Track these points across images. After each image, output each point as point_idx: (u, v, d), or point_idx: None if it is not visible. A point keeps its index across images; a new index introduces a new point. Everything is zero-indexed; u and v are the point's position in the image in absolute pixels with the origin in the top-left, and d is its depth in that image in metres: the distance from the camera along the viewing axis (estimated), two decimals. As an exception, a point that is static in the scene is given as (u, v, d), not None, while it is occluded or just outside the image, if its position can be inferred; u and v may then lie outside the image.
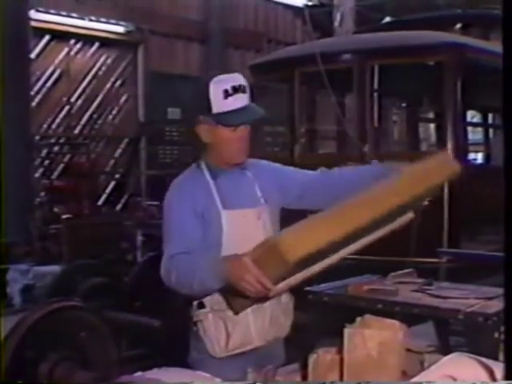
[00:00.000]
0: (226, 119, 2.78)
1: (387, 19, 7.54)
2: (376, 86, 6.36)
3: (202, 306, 2.82)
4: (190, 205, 2.80)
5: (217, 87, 2.76)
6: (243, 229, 2.82)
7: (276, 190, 2.98)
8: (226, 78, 2.80)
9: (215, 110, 2.77)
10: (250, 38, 16.45)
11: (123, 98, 14.64)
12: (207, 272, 2.59)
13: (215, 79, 2.80)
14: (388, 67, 6.30)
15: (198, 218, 2.80)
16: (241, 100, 2.77)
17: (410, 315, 2.65)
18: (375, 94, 6.43)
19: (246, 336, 2.82)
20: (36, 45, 12.61)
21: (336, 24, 8.61)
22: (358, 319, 2.16)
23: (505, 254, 1.32)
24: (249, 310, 2.80)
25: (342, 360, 2.10)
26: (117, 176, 13.81)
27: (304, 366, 2.30)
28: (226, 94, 2.75)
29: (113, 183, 13.81)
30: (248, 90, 2.82)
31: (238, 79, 2.80)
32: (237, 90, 2.76)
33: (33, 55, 11.84)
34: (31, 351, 4.16)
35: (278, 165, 3.13)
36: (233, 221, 2.82)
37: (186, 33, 15.36)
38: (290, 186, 3.01)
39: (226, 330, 2.80)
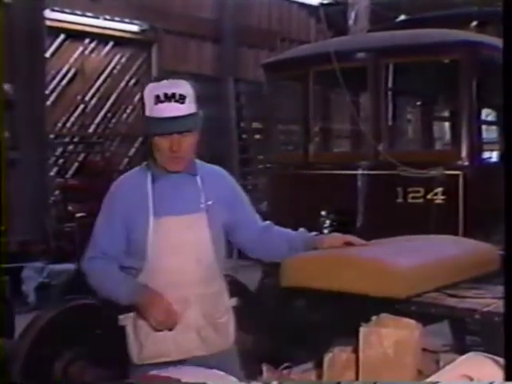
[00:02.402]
0: (152, 126, 2.71)
1: (402, 17, 7.50)
2: (390, 84, 6.32)
3: (128, 309, 2.81)
4: (120, 208, 2.80)
5: (150, 91, 2.70)
6: (170, 238, 2.76)
7: (223, 205, 2.89)
8: (162, 84, 2.71)
9: (147, 113, 2.72)
10: (263, 37, 16.43)
11: (137, 97, 14.66)
12: (120, 289, 2.72)
13: (153, 83, 2.75)
14: (403, 66, 6.27)
15: (124, 224, 2.78)
16: (170, 109, 2.66)
17: (425, 314, 2.64)
18: (390, 93, 6.40)
19: (160, 348, 2.76)
20: (51, 44, 12.67)
21: (350, 22, 8.58)
22: (374, 318, 2.15)
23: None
24: None
25: (357, 359, 2.10)
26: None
27: (319, 365, 2.30)
28: (157, 100, 2.67)
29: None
30: (189, 100, 2.70)
31: (177, 87, 2.70)
32: (169, 98, 2.66)
33: (48, 54, 11.90)
34: (46, 349, 4.18)
35: (238, 187, 3.05)
36: (161, 229, 2.75)
37: (199, 32, 15.37)
38: (235, 213, 2.95)
39: (139, 338, 2.78)
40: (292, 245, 2.97)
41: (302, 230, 3.06)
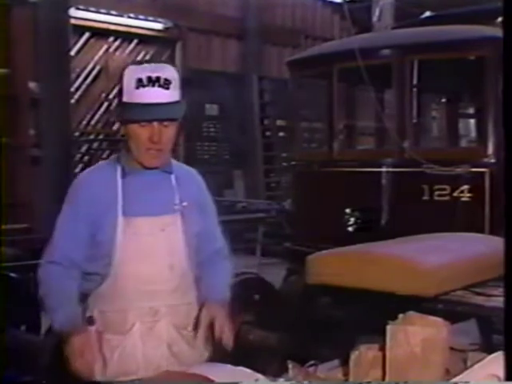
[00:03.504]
0: (130, 112, 2.44)
1: (427, 14, 7.45)
2: (415, 81, 6.29)
3: (91, 321, 2.55)
4: (84, 206, 2.52)
5: (131, 74, 2.44)
6: (140, 241, 2.51)
7: (197, 208, 2.64)
8: (146, 67, 2.46)
9: (124, 98, 2.46)
10: (287, 34, 16.41)
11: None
12: (57, 312, 2.43)
13: (134, 65, 2.49)
14: (427, 62, 6.24)
15: (89, 224, 2.51)
16: (155, 94, 2.41)
17: (452, 313, 2.62)
18: (414, 90, 6.37)
19: (127, 364, 2.48)
20: (76, 42, 12.74)
21: (375, 19, 8.52)
22: (401, 316, 2.14)
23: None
24: (137, 334, 2.51)
25: (384, 357, 2.09)
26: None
27: (345, 363, 2.29)
28: (139, 84, 2.41)
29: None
30: (174, 86, 2.45)
31: (162, 71, 2.45)
32: (153, 81, 2.41)
33: (73, 52, 11.96)
34: None
35: (208, 193, 2.78)
36: (129, 230, 2.49)
37: (223, 29, 15.38)
38: (204, 221, 2.69)
39: (103, 354, 2.48)
40: (204, 289, 2.66)
41: (226, 290, 2.69)
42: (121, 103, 2.49)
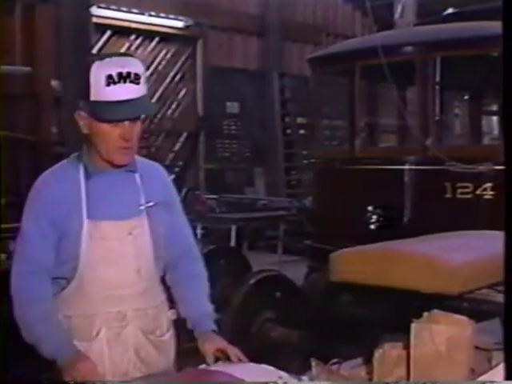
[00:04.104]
0: (101, 111, 2.30)
1: (450, 10, 7.41)
2: (438, 78, 6.26)
3: None
4: (48, 210, 2.40)
5: (99, 70, 2.28)
6: (107, 244, 2.41)
7: (164, 207, 2.55)
8: (115, 61, 2.31)
9: (93, 97, 2.30)
10: (308, 32, 16.37)
11: (182, 93, 14.75)
12: (49, 341, 2.30)
13: (100, 61, 2.32)
14: (450, 59, 6.20)
15: (54, 227, 2.39)
16: (127, 91, 2.29)
17: (477, 311, 2.61)
18: (437, 87, 6.33)
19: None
20: (97, 40, 12.79)
21: (397, 16, 8.50)
22: (425, 314, 2.12)
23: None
24: (104, 340, 2.44)
25: (408, 355, 2.08)
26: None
27: (368, 361, 2.28)
28: (109, 81, 2.27)
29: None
30: (143, 80, 2.34)
31: (131, 65, 2.32)
32: (124, 78, 2.28)
33: (94, 50, 12.01)
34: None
35: (174, 189, 2.70)
36: (95, 234, 2.40)
37: (244, 27, 15.37)
38: (171, 218, 2.60)
39: None
40: (184, 309, 2.59)
41: (208, 307, 2.60)
42: (88, 102, 2.33)
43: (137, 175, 2.52)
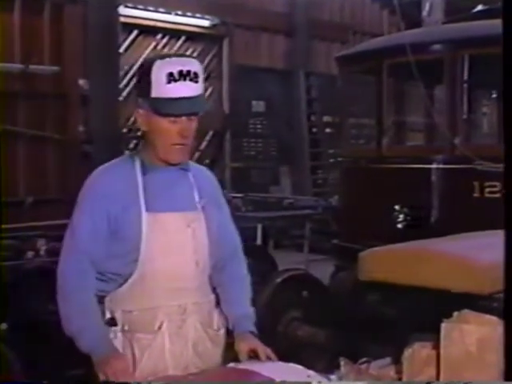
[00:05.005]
0: (162, 107, 2.40)
1: (479, 7, 7.34)
2: (466, 76, 6.20)
3: (113, 322, 2.48)
4: (104, 205, 2.44)
5: (161, 69, 2.40)
6: (168, 235, 2.46)
7: (215, 206, 2.63)
8: (175, 61, 2.43)
9: (154, 94, 2.41)
10: (335, 30, 16.31)
11: (208, 91, 14.76)
12: (85, 333, 2.34)
13: (161, 60, 2.43)
14: (479, 57, 6.14)
15: (110, 221, 2.43)
16: (187, 89, 2.40)
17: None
18: (465, 85, 6.28)
19: (157, 364, 2.44)
20: (124, 40, 12.85)
21: (425, 14, 8.45)
22: (456, 314, 2.11)
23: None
24: (166, 334, 2.47)
25: (438, 355, 2.06)
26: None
27: (397, 361, 2.27)
28: (170, 79, 2.38)
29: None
30: (201, 79, 2.45)
31: (190, 64, 2.44)
32: (184, 76, 2.39)
33: (121, 50, 12.08)
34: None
35: (222, 192, 2.80)
36: (156, 225, 2.44)
37: (271, 25, 15.35)
38: (220, 216, 2.67)
39: (132, 354, 2.43)
40: (227, 309, 2.66)
41: (249, 309, 2.70)
42: (148, 99, 2.43)
43: (190, 174, 2.60)
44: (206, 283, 2.62)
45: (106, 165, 2.60)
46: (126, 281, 2.46)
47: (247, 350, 2.48)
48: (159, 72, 2.39)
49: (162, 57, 2.46)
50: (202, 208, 2.55)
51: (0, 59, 8.73)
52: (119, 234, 2.44)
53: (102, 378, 2.30)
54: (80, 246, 2.45)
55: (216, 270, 2.67)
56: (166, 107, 2.39)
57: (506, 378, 1.41)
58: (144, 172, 2.50)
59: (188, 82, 2.40)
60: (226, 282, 2.69)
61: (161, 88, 2.39)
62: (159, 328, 2.46)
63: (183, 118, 2.43)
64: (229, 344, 2.63)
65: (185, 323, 2.50)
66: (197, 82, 2.42)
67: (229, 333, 2.63)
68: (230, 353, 2.56)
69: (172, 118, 2.42)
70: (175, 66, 2.39)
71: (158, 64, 2.41)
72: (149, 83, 2.41)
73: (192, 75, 2.40)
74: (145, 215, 2.43)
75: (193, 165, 2.68)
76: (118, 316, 2.47)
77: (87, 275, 2.45)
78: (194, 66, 2.44)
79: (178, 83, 2.38)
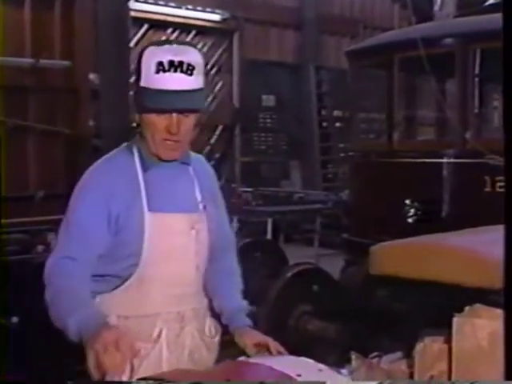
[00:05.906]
0: (149, 99, 2.18)
1: (490, 1, 7.30)
2: (478, 70, 6.17)
3: None
4: (103, 203, 2.24)
5: (151, 56, 2.17)
6: (171, 238, 2.29)
7: (214, 202, 2.48)
8: (167, 49, 2.18)
9: (142, 83, 2.20)
10: (345, 24, 16.28)
11: (218, 85, 14.76)
12: (71, 317, 2.03)
13: (155, 46, 2.21)
14: (490, 51, 6.11)
15: (109, 220, 2.24)
16: (178, 81, 2.15)
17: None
18: (477, 79, 6.25)
19: (154, 371, 2.15)
20: (135, 34, 12.86)
21: (436, 8, 8.41)
22: (467, 308, 2.10)
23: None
24: (164, 343, 2.31)
25: (449, 350, 2.06)
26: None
27: (409, 355, 2.26)
28: (159, 68, 2.15)
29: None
30: (197, 72, 2.20)
31: (186, 54, 2.19)
32: (175, 67, 2.15)
33: (131, 44, 12.08)
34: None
35: (218, 184, 2.60)
36: (159, 226, 2.26)
37: (280, 20, 15.35)
38: (218, 213, 2.49)
39: (131, 363, 2.12)
40: (219, 303, 2.46)
41: (243, 302, 2.51)
42: (138, 88, 2.22)
43: (190, 168, 2.43)
44: (201, 287, 2.46)
45: (104, 159, 2.40)
46: (122, 283, 2.30)
47: (254, 343, 2.33)
48: (149, 59, 2.17)
49: (160, 43, 2.24)
50: (204, 208, 2.40)
51: (10, 54, 8.73)
52: (120, 234, 2.26)
53: (93, 370, 1.95)
54: (75, 241, 2.25)
55: (208, 263, 2.50)
56: (152, 100, 2.17)
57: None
58: (144, 168, 2.32)
59: (179, 74, 2.15)
60: (216, 274, 2.50)
61: (149, 77, 2.17)
62: (158, 336, 2.32)
63: (173, 113, 2.20)
64: (225, 342, 2.53)
65: (183, 331, 2.38)
66: (191, 74, 2.17)
67: (223, 327, 2.48)
68: (227, 351, 2.45)
69: (159, 113, 2.20)
70: (166, 54, 2.16)
71: (150, 50, 2.20)
72: (139, 71, 2.21)
73: (185, 67, 2.16)
74: (148, 215, 2.26)
75: (192, 156, 2.49)
76: (113, 321, 2.26)
77: (77, 268, 2.20)
78: (191, 56, 2.19)
79: (168, 74, 2.14)
